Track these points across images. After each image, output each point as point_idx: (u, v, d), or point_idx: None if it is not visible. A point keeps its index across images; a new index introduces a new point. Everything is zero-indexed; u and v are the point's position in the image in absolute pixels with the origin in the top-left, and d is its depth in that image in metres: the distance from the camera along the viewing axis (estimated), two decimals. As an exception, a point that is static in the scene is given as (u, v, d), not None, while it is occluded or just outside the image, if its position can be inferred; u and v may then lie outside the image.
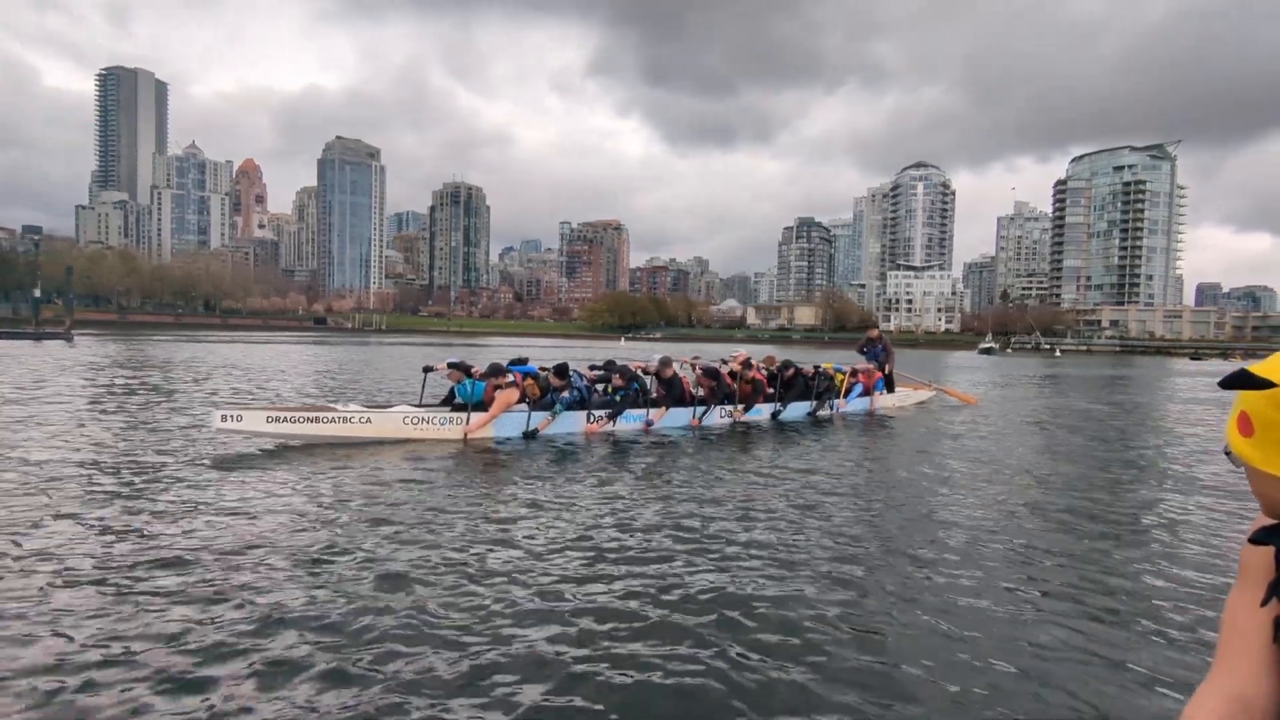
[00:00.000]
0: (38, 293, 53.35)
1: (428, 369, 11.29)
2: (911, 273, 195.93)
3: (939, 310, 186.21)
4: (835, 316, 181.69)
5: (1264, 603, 1.07)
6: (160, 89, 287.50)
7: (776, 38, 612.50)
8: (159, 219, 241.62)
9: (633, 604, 4.12)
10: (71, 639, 3.44)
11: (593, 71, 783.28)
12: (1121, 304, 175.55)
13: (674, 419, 11.50)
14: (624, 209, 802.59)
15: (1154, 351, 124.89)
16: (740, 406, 12.32)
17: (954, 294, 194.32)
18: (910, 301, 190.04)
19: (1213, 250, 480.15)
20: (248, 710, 2.94)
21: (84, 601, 3.91)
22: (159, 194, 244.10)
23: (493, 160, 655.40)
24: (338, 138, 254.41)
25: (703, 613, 4.01)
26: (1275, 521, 1.06)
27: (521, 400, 10.29)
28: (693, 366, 12.27)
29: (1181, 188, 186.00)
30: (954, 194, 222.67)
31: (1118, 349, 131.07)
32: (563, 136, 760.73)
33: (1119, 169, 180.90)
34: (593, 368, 11.67)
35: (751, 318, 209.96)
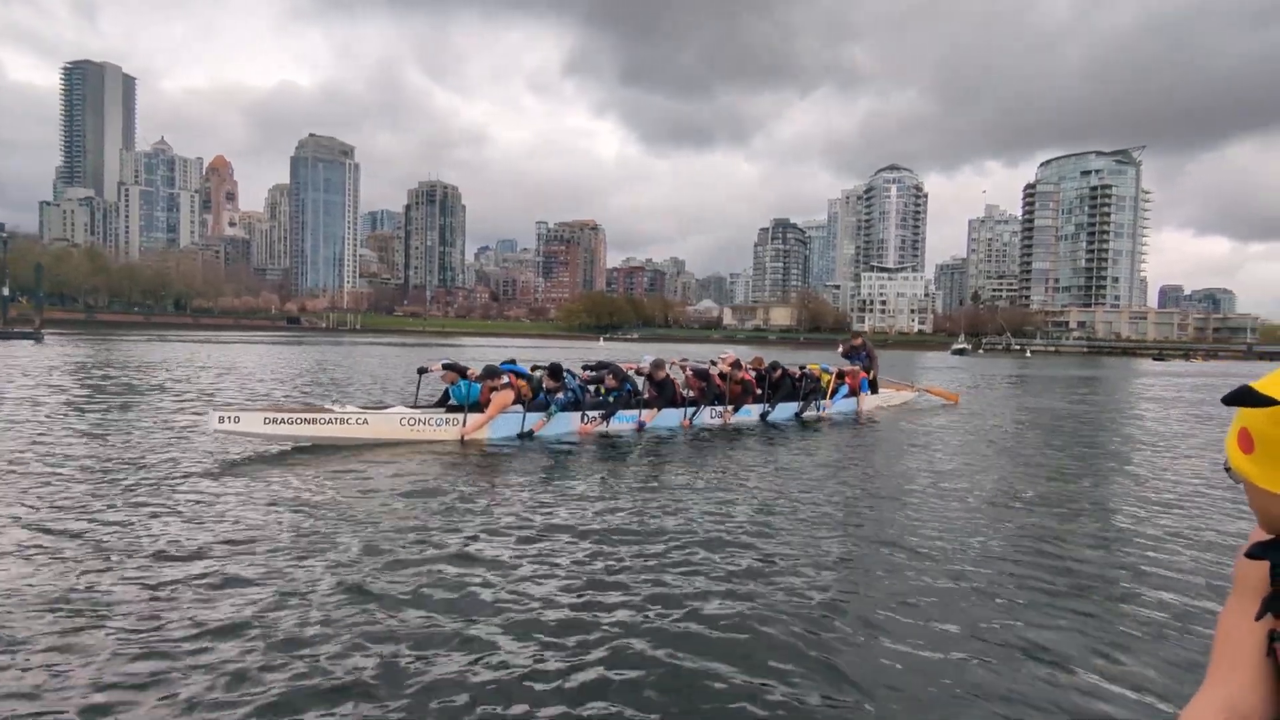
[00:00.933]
0: (5, 291, 52.02)
1: (422, 370, 11.37)
2: (885, 274, 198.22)
3: (912, 311, 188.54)
4: (810, 317, 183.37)
5: (1258, 617, 1.08)
6: (128, 84, 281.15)
7: (751, 40, 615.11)
8: (126, 216, 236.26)
9: (632, 602, 4.20)
10: (75, 636, 3.50)
11: (569, 71, 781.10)
12: (1089, 305, 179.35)
13: (665, 419, 11.70)
14: (600, 209, 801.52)
15: (1119, 352, 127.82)
16: (730, 407, 12.56)
17: (926, 295, 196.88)
18: (884, 303, 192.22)
19: (1174, 253, 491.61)
20: (242, 708, 2.95)
21: (94, 599, 3.97)
22: (127, 191, 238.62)
23: (468, 160, 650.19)
24: (311, 135, 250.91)
25: (703, 610, 4.09)
26: (1272, 537, 1.07)
27: (517, 401, 10.42)
28: (682, 368, 12.49)
29: (1146, 192, 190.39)
30: (926, 196, 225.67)
31: (1085, 350, 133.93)
32: (539, 136, 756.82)
33: (1086, 173, 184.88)
34: (585, 368, 11.84)
35: (728, 318, 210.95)
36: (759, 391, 13.17)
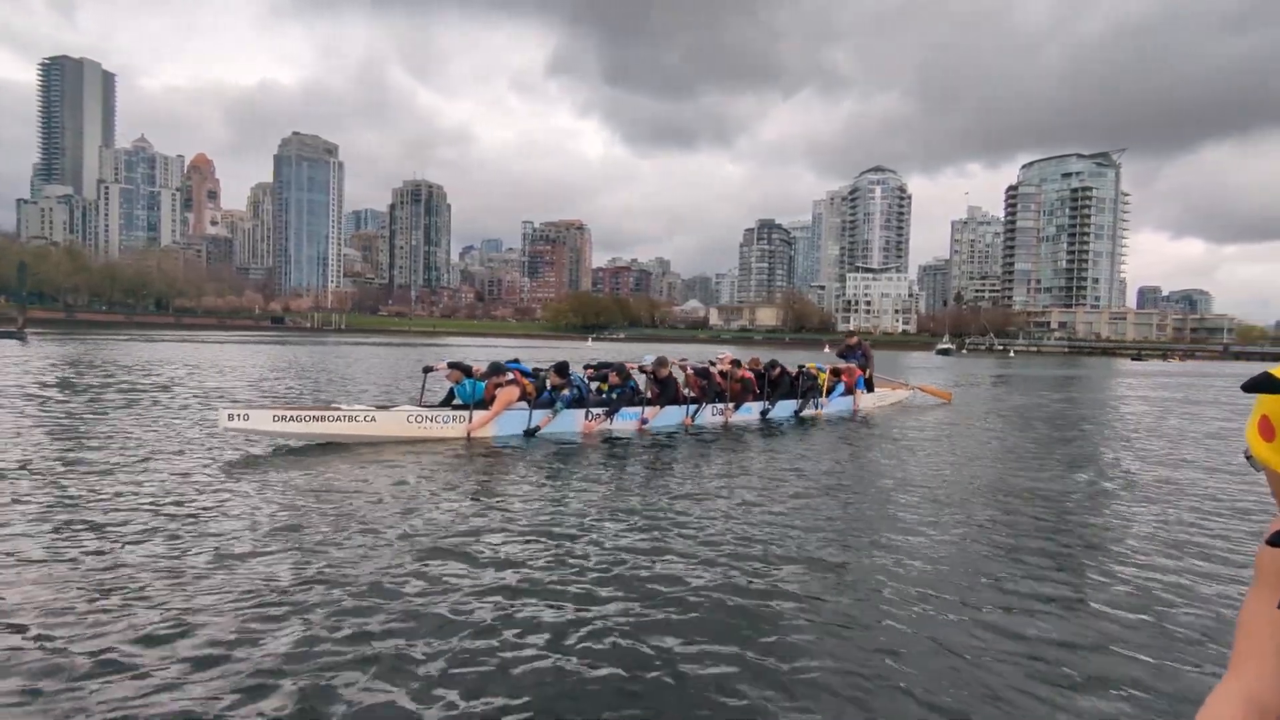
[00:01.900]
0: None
1: (428, 369, 11.46)
2: (870, 275, 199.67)
3: (896, 312, 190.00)
4: (796, 318, 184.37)
5: None
6: (107, 80, 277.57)
7: (734, 42, 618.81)
8: (106, 214, 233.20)
9: (635, 599, 4.26)
10: (81, 636, 3.53)
11: (553, 72, 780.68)
12: (1070, 306, 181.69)
13: (667, 418, 11.86)
14: (585, 209, 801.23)
15: (1099, 352, 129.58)
16: (731, 406, 12.74)
17: (910, 296, 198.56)
18: (869, 303, 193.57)
19: (1152, 255, 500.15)
20: (250, 704, 2.97)
21: (106, 598, 4.02)
22: (106, 188, 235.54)
23: (453, 159, 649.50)
24: (295, 133, 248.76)
25: (703, 609, 4.15)
26: None
27: (522, 398, 10.55)
28: (683, 368, 12.66)
29: (1126, 194, 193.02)
30: (910, 198, 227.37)
31: (1066, 350, 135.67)
32: (523, 136, 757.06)
33: (1067, 175, 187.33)
34: (587, 366, 11.97)
35: (714, 318, 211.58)
36: (758, 390, 13.38)
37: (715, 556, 5.08)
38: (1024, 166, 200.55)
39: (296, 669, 3.27)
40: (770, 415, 13.28)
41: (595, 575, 4.62)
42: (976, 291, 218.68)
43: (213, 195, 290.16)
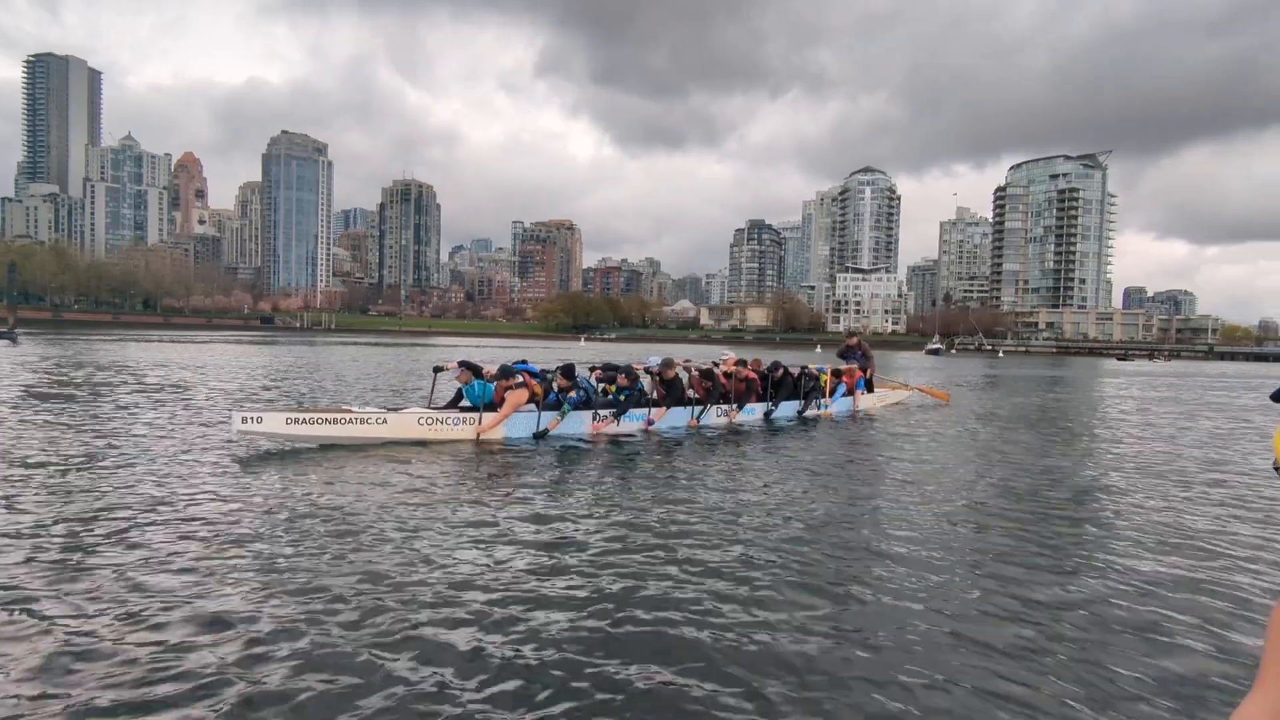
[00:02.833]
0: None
1: (438, 369, 11.54)
2: (860, 275, 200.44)
3: (886, 312, 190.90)
4: (786, 318, 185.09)
5: None
6: (93, 78, 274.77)
7: (722, 43, 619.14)
8: (92, 213, 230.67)
9: (640, 596, 4.36)
10: (90, 635, 3.57)
11: (541, 72, 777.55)
12: (1057, 307, 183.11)
13: (673, 418, 12.02)
14: (574, 209, 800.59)
15: (1087, 352, 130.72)
16: (735, 406, 12.91)
17: (900, 296, 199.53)
18: (859, 303, 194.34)
19: (1136, 256, 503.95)
20: (251, 703, 3.01)
21: (121, 596, 4.09)
22: (92, 187, 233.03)
23: (441, 159, 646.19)
24: (284, 132, 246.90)
25: (714, 604, 4.24)
26: None
27: (530, 401, 10.66)
28: (687, 369, 12.81)
29: (1112, 196, 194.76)
30: (899, 199, 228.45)
31: (1054, 350, 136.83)
32: (512, 136, 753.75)
33: (1054, 177, 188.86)
34: (593, 368, 12.10)
35: (705, 318, 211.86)
36: (762, 391, 13.54)
37: (723, 559, 5.13)
38: (1012, 168, 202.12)
39: (311, 668, 3.31)
40: (774, 416, 13.45)
41: (606, 577, 4.67)
42: (965, 292, 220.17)
43: (200, 194, 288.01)
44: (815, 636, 3.87)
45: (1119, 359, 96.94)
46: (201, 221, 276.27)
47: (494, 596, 4.26)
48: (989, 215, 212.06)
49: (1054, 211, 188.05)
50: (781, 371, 13.88)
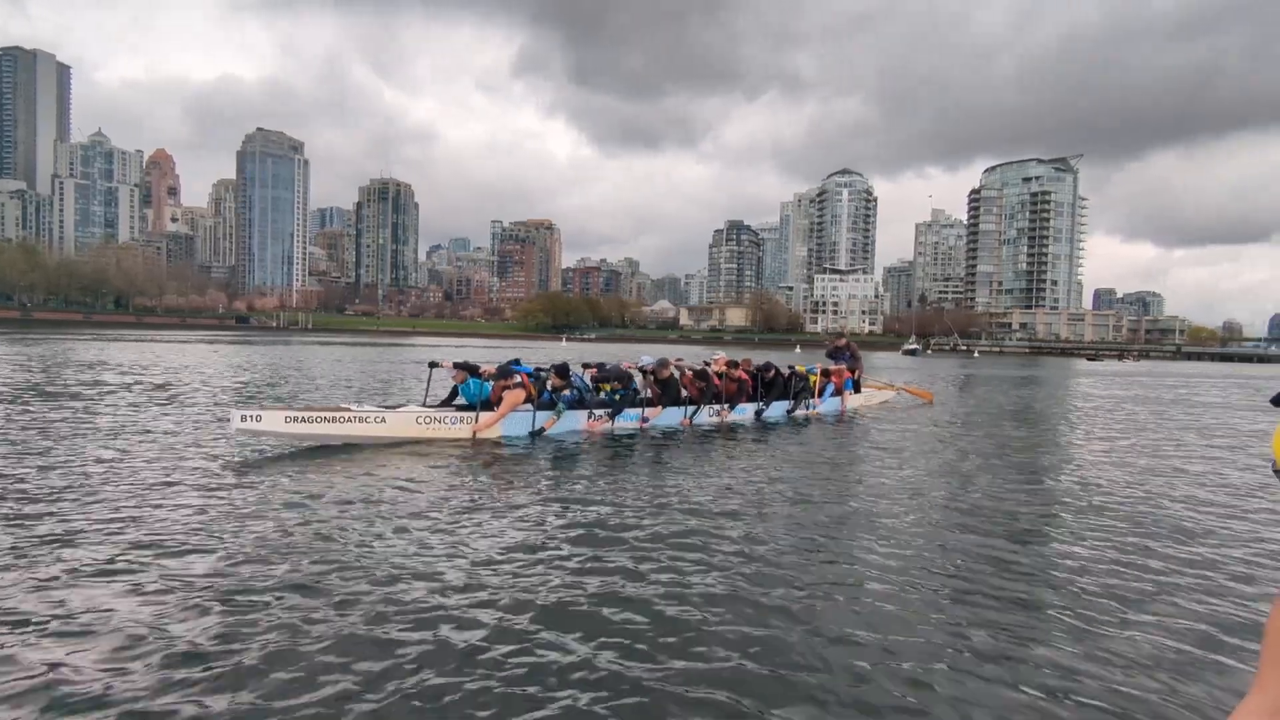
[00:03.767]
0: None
1: (434, 364, 11.50)
2: (837, 276, 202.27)
3: (863, 313, 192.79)
4: (765, 318, 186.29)
5: None
6: (62, 72, 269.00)
7: (698, 44, 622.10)
8: (61, 210, 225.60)
9: (638, 594, 4.40)
10: (96, 634, 3.60)
11: (518, 71, 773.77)
12: (1030, 308, 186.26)
13: (666, 418, 12.20)
14: (553, 209, 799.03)
15: (1059, 352, 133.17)
16: (727, 406, 13.11)
17: (876, 297, 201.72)
18: (836, 304, 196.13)
19: (1106, 258, 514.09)
20: (250, 704, 3.02)
21: (122, 599, 4.10)
22: (61, 183, 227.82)
23: (418, 158, 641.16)
24: (259, 129, 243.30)
25: (712, 604, 4.28)
26: None
27: (527, 400, 10.77)
28: (680, 369, 12.97)
29: (1083, 199, 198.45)
30: (876, 201, 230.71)
31: (1027, 350, 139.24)
32: (489, 136, 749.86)
33: (1027, 180, 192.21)
34: (588, 366, 12.24)
35: (684, 319, 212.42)
36: (753, 391, 13.77)
37: (718, 555, 5.21)
38: (986, 170, 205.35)
39: (312, 669, 3.31)
40: (764, 415, 13.69)
41: (605, 575, 4.73)
42: (940, 293, 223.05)
43: (173, 191, 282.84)
44: (804, 632, 3.94)
45: (1089, 359, 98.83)
46: (174, 219, 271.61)
47: (493, 596, 4.30)
48: (963, 217, 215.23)
49: (1027, 214, 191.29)
50: (773, 372, 14.12)
